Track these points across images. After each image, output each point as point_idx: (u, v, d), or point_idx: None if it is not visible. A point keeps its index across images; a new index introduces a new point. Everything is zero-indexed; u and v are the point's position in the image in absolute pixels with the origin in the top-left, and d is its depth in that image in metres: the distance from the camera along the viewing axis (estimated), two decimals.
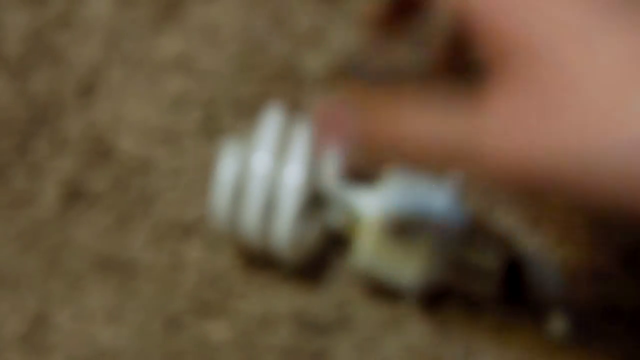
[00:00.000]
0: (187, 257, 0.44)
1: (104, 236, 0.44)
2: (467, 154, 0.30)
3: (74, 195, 0.45)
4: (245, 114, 0.47)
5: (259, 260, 0.43)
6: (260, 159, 0.39)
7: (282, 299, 0.43)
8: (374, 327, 0.43)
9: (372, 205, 0.40)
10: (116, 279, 0.43)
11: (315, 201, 0.41)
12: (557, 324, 0.42)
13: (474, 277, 0.41)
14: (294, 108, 0.46)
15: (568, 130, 0.29)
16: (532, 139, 0.29)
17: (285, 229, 0.39)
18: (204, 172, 0.45)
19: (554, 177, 0.29)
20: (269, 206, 0.40)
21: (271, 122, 0.40)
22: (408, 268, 0.40)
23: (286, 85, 0.47)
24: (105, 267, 0.44)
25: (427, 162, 0.32)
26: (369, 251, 0.40)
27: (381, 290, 0.43)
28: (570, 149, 0.29)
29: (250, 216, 0.40)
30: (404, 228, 0.40)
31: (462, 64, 0.35)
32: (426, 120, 0.31)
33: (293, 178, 0.39)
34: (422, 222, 0.40)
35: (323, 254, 0.44)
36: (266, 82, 0.47)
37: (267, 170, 0.39)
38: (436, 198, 0.40)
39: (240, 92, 0.47)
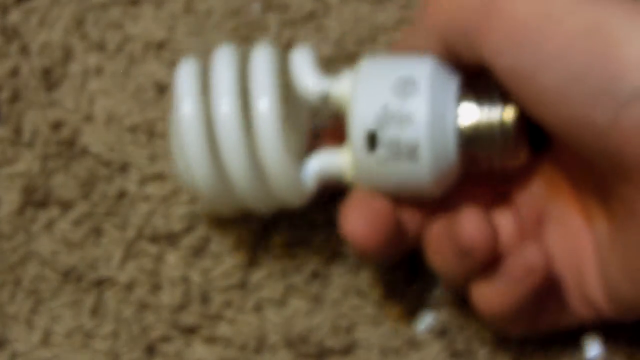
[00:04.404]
0: (169, 274, 0.43)
1: (73, 250, 0.43)
2: None
3: (38, 203, 0.44)
4: None
5: (250, 277, 0.43)
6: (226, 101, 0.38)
7: (278, 322, 0.42)
8: (381, 353, 0.42)
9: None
10: (87, 298, 0.43)
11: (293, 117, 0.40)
12: (593, 348, 0.42)
13: (489, 137, 0.38)
14: None
15: None
16: None
17: (275, 156, 0.38)
18: None
19: None
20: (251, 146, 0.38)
21: (225, 62, 0.39)
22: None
23: None
24: (75, 286, 0.43)
25: None
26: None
27: (388, 312, 0.42)
28: None
29: (234, 160, 0.38)
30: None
31: None
32: None
33: (265, 107, 0.38)
34: (412, 87, 0.38)
35: (324, 270, 0.43)
36: None
37: (235, 110, 0.38)
38: (420, 67, 0.39)
39: None
